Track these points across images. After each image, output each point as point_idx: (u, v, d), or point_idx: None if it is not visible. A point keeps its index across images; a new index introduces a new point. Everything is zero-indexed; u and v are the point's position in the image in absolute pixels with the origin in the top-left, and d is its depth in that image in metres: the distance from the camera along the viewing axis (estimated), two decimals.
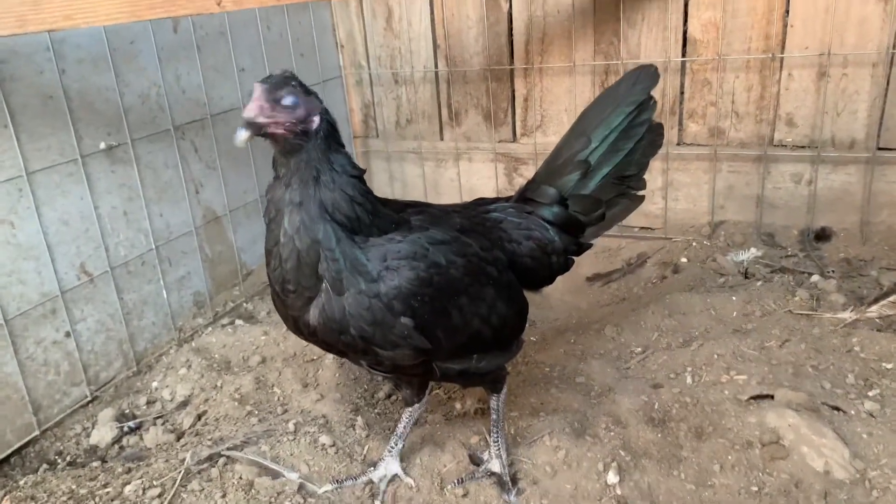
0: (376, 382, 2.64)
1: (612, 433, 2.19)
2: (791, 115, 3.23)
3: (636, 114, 2.07)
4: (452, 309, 1.77)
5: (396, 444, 2.08)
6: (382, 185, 4.17)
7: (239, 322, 3.10)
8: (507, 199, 2.17)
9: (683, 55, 3.31)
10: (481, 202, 2.17)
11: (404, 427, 2.09)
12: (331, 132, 1.67)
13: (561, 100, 3.61)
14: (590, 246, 2.21)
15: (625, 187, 2.15)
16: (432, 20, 3.71)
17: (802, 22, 3.06)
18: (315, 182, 1.63)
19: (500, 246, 1.98)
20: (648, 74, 2.06)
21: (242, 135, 1.56)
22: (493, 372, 1.98)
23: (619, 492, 1.98)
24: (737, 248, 3.29)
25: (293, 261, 1.63)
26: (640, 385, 2.43)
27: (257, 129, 1.56)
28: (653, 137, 2.12)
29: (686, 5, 3.23)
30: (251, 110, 1.55)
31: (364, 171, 1.74)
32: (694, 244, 3.46)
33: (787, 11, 3.08)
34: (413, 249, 1.70)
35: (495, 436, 2.07)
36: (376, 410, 2.49)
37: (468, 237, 1.88)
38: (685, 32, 3.27)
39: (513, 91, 3.70)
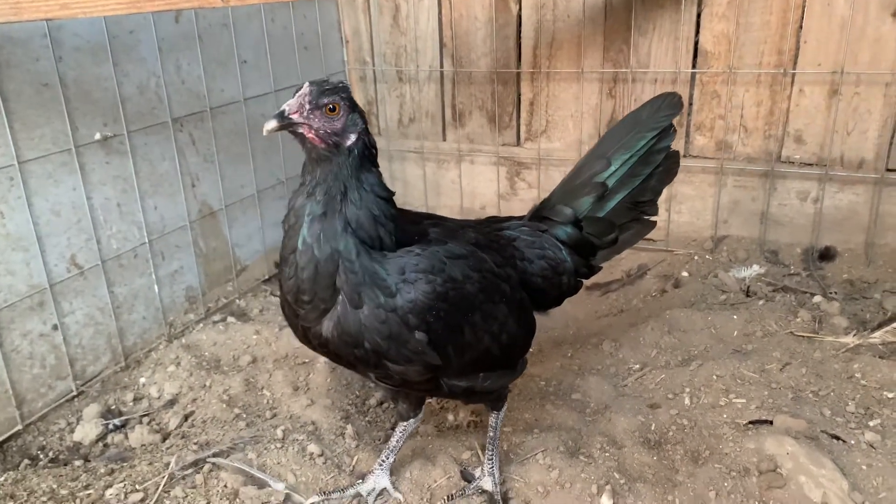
0: (368, 389, 2.60)
1: (606, 454, 2.15)
2: (800, 132, 3.18)
3: (656, 140, 2.06)
4: (465, 325, 1.74)
5: (388, 458, 2.04)
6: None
7: (231, 319, 3.05)
8: (521, 217, 2.14)
9: (694, 66, 3.25)
10: (494, 220, 2.15)
11: (397, 441, 2.05)
12: (366, 152, 1.65)
13: (567, 106, 3.55)
14: (600, 269, 2.19)
15: (638, 212, 2.15)
16: (440, 19, 3.65)
17: (816, 38, 3.01)
18: (343, 197, 1.60)
19: (512, 263, 1.95)
20: (672, 102, 2.06)
21: (271, 124, 1.54)
22: (497, 391, 1.95)
23: None
24: (739, 265, 3.24)
25: (310, 270, 1.59)
26: (637, 404, 2.38)
27: (288, 125, 1.55)
28: (669, 164, 2.12)
29: (699, 16, 3.17)
30: (290, 105, 1.55)
31: (393, 194, 1.71)
32: (696, 258, 3.42)
33: (801, 27, 3.03)
34: (431, 263, 1.67)
35: (490, 453, 2.03)
36: (367, 418, 2.44)
37: (483, 253, 1.85)
38: (696, 44, 3.22)
39: (519, 95, 3.64)
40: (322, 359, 2.66)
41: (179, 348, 2.80)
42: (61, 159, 2.43)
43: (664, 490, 2.02)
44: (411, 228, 1.76)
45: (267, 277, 3.43)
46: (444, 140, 3.91)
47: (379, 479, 2.01)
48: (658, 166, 2.09)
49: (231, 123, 3.11)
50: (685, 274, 3.33)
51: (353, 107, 1.62)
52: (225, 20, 2.99)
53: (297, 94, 1.56)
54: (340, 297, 1.60)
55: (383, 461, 2.03)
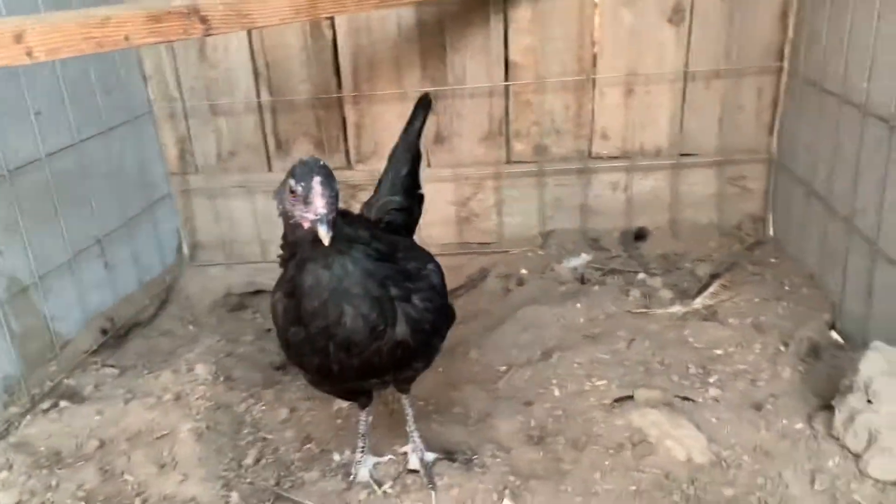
0: (240, 449, 2.44)
1: (498, 459, 2.22)
2: (605, 130, 3.53)
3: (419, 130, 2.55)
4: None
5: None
6: (208, 224, 3.87)
7: (63, 403, 2.68)
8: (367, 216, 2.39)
9: (506, 79, 3.46)
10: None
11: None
12: None
13: (393, 126, 3.58)
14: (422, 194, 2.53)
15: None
16: (251, 49, 3.52)
17: (611, 45, 3.36)
18: (349, 250, 1.73)
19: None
20: (425, 103, 2.58)
21: (327, 237, 1.57)
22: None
23: None
24: (569, 255, 3.52)
25: (360, 323, 1.75)
26: (513, 405, 2.49)
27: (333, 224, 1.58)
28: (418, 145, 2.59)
29: (506, 32, 3.39)
30: (322, 206, 1.56)
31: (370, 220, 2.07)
32: (530, 255, 3.64)
33: (596, 38, 3.36)
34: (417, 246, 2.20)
35: (413, 432, 2.25)
36: (248, 479, 2.29)
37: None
38: (507, 58, 3.43)
39: (343, 119, 3.63)
40: (185, 427, 2.44)
41: (8, 450, 2.40)
42: None
43: (556, 482, 2.13)
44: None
45: (95, 348, 3.08)
46: (271, 170, 3.78)
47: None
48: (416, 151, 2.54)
49: (32, 186, 2.75)
50: (524, 271, 3.53)
51: None
52: (12, 68, 2.63)
53: (317, 193, 1.55)
54: (399, 312, 1.82)
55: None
